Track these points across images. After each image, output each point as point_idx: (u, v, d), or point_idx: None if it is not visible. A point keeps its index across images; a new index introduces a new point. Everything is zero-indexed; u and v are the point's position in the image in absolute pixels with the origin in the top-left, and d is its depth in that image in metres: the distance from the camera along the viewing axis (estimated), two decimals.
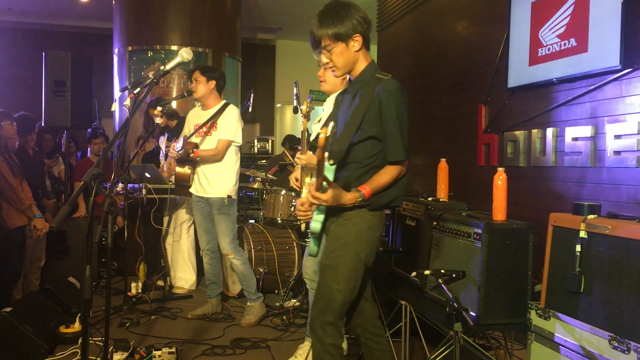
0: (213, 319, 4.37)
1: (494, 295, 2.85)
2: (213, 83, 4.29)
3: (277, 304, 4.64)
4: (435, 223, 3.33)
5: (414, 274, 3.16)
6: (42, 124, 5.61)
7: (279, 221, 4.99)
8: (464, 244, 3.04)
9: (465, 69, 5.13)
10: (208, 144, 4.26)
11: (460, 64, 5.21)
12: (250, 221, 5.84)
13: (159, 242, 5.27)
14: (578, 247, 2.52)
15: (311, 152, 3.17)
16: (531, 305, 2.78)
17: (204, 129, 4.29)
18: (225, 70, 6.00)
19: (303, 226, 3.58)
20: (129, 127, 2.49)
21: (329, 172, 2.33)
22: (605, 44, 3.41)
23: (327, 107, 3.63)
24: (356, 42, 2.42)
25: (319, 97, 5.73)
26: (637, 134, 3.19)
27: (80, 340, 3.63)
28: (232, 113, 4.27)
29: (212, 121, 4.27)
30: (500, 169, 3.01)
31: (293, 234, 5.23)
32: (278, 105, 10.86)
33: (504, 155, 4.42)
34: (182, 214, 5.27)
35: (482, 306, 2.82)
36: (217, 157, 4.21)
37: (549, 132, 3.92)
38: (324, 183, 2.24)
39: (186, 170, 4.32)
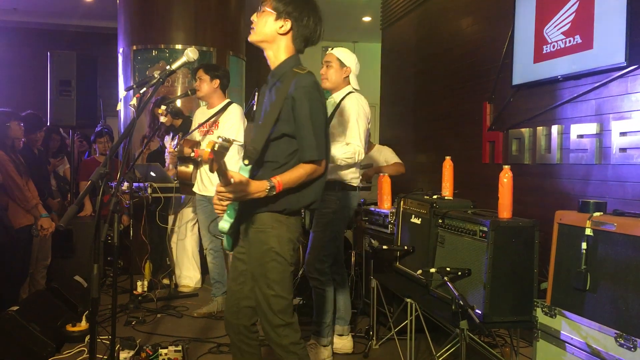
0: (219, 318, 4.38)
1: (499, 293, 2.84)
2: (217, 82, 4.30)
3: None
4: (440, 221, 3.33)
5: (419, 271, 3.16)
6: (48, 123, 5.63)
7: None
8: (469, 242, 3.04)
9: (469, 66, 5.12)
10: None
11: (465, 61, 5.21)
12: None
13: (164, 241, 5.28)
14: (584, 245, 2.52)
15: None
16: (537, 303, 2.78)
17: (205, 127, 4.30)
18: (230, 69, 6.00)
19: (307, 223, 3.58)
20: (135, 127, 2.50)
21: (245, 172, 2.25)
22: (610, 41, 3.39)
23: (328, 106, 3.63)
24: (285, 25, 2.33)
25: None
26: None
27: (87, 339, 3.65)
28: (234, 112, 4.27)
29: (214, 120, 4.28)
30: (506, 167, 3.00)
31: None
32: None
33: (509, 152, 4.41)
34: (187, 213, 5.28)
35: (487, 304, 2.82)
36: None
37: (554, 129, 3.91)
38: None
39: (188, 169, 4.33)
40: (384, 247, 3.75)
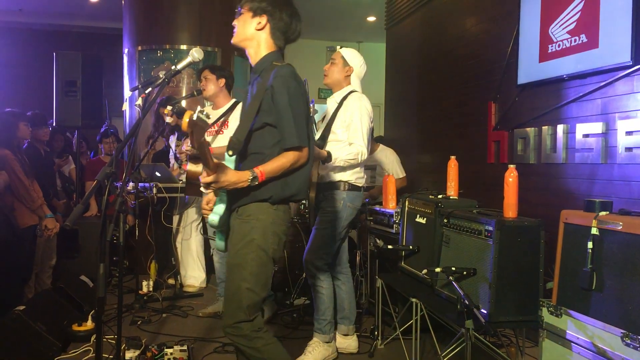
0: None
1: (505, 293, 2.84)
2: (223, 81, 4.30)
3: (287, 302, 4.65)
4: (445, 220, 3.32)
5: (424, 271, 3.16)
6: (54, 124, 5.66)
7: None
8: (475, 242, 3.03)
9: (474, 65, 5.12)
10: (220, 143, 4.27)
11: (470, 60, 5.20)
12: None
13: (170, 241, 5.29)
14: (590, 244, 2.51)
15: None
16: (543, 303, 2.77)
17: (215, 128, 4.30)
18: (235, 69, 6.01)
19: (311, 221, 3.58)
20: (140, 127, 2.51)
21: (229, 163, 2.30)
22: (616, 40, 3.38)
23: (330, 104, 3.64)
24: (262, 20, 2.45)
25: (327, 95, 5.73)
26: None
27: (92, 338, 3.66)
28: None
29: (223, 120, 4.29)
30: (512, 166, 3.00)
31: (302, 231, 5.23)
32: None
33: (514, 152, 4.40)
34: (191, 213, 5.29)
35: (493, 303, 2.82)
36: None
37: (560, 128, 3.90)
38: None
39: (198, 168, 4.34)
40: (389, 246, 3.75)
